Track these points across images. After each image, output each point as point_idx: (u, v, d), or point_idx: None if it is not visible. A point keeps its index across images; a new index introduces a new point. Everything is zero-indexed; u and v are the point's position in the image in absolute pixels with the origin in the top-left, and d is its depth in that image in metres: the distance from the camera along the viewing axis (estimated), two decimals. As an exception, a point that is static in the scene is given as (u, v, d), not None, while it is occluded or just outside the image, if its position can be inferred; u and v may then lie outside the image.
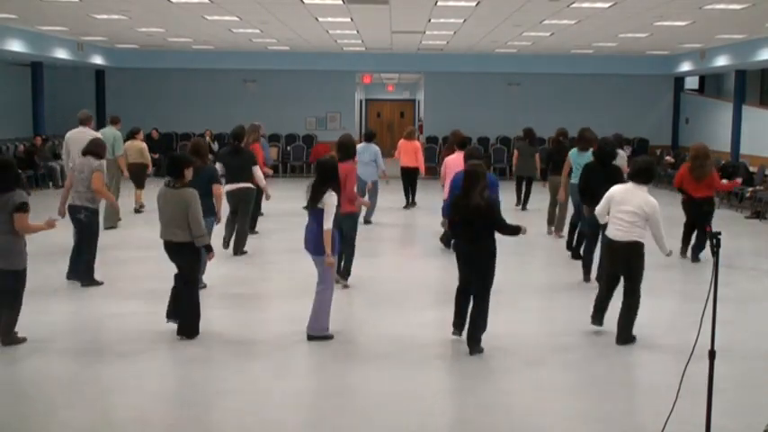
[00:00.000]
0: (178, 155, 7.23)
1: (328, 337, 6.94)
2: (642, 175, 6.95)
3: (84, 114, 11.31)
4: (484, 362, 6.48)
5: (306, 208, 6.93)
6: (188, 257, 6.89)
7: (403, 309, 8.16)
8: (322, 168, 6.83)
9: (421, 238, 12.93)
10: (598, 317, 7.24)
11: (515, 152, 15.76)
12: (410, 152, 15.00)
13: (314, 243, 6.82)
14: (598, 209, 7.27)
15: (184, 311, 6.94)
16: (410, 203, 15.79)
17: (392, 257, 11.45)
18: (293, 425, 5.18)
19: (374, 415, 5.32)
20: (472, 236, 6.58)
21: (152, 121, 21.62)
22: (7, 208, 6.44)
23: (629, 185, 7.03)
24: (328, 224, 6.67)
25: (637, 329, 6.95)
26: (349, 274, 8.96)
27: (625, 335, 6.93)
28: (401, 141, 15.22)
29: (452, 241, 7.67)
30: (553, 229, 12.47)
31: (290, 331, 7.18)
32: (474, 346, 6.60)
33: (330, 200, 6.69)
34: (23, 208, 6.46)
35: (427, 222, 13.68)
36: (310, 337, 6.92)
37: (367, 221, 13.31)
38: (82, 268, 8.76)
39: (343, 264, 8.89)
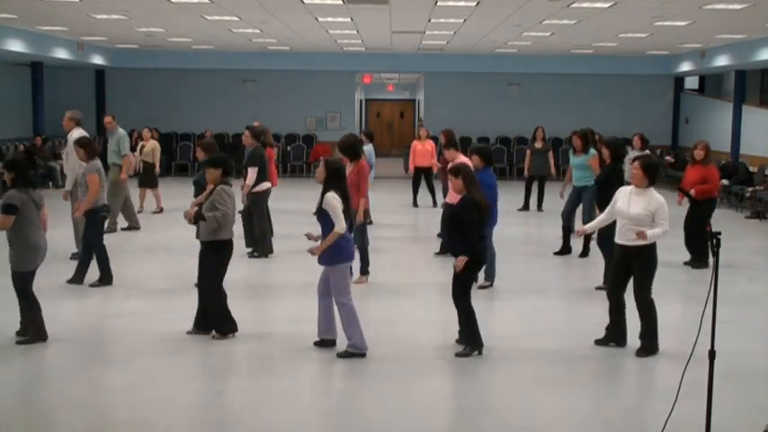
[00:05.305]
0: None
1: (362, 355, 6.38)
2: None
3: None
4: (484, 362, 6.47)
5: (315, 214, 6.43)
6: None
7: (403, 308, 8.17)
8: (328, 169, 6.39)
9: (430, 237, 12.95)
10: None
11: (528, 152, 15.62)
12: (425, 154, 15.52)
13: (328, 253, 6.28)
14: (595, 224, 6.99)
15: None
16: (433, 203, 15.48)
17: (398, 257, 11.44)
18: (293, 425, 5.18)
19: (374, 415, 5.32)
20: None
21: (152, 121, 21.59)
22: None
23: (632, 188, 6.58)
24: (340, 224, 6.19)
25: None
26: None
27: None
28: (415, 143, 15.82)
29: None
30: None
31: (295, 334, 7.18)
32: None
33: (332, 200, 6.21)
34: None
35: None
36: (342, 354, 6.39)
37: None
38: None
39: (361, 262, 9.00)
